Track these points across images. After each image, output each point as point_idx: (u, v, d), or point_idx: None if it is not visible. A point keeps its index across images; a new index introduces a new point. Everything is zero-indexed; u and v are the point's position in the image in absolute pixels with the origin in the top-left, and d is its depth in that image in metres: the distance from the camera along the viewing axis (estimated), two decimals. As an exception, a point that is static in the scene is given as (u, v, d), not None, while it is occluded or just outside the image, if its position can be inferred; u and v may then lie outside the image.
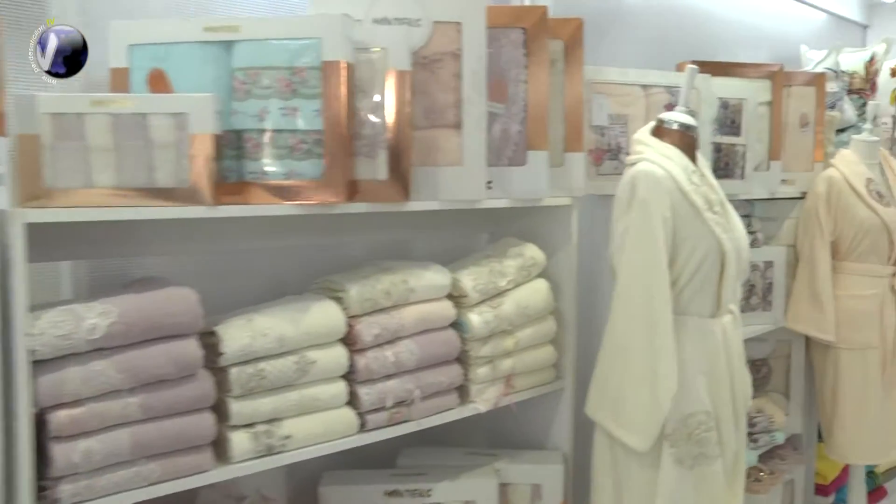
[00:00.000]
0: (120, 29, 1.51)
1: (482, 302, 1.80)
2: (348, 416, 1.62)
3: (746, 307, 2.67)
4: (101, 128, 1.34)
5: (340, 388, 1.61)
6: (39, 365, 1.27)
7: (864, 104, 3.12)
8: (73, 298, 1.44)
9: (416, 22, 1.65)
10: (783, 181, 2.67)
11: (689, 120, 1.85)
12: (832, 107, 2.97)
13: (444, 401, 1.76)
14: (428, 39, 1.65)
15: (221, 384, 1.49)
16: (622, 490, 1.82)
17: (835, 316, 2.64)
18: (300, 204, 1.48)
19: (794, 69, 2.90)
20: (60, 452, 1.28)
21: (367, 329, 1.63)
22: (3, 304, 1.25)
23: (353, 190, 1.54)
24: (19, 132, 1.30)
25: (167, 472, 1.39)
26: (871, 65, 3.11)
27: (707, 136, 2.21)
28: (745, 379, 1.91)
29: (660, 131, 1.86)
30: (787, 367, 2.87)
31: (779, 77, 2.53)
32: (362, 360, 1.63)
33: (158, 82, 1.48)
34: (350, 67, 1.48)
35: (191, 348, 1.42)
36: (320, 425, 1.59)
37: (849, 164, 2.68)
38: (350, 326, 1.62)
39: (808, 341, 2.80)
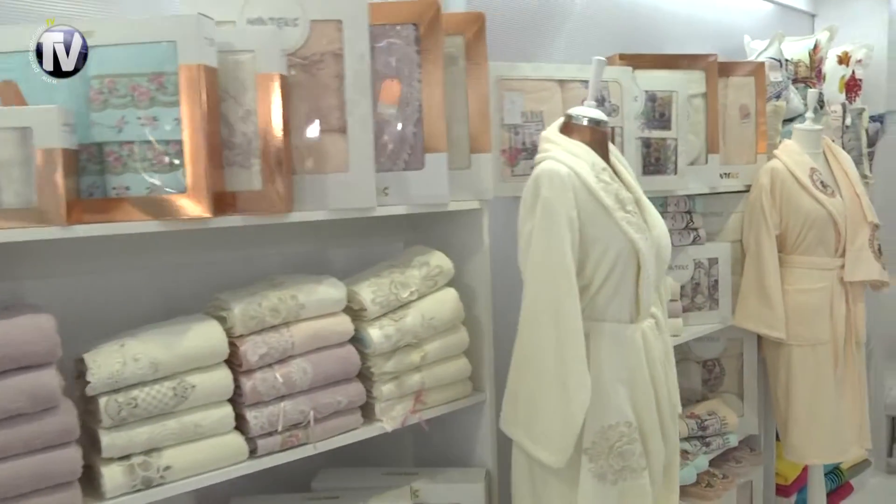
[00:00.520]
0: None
1: (383, 315, 1.71)
2: (236, 441, 1.53)
3: (692, 306, 2.58)
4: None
5: (226, 412, 1.52)
6: None
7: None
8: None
9: (294, 21, 1.55)
10: (725, 175, 2.58)
11: (598, 115, 1.76)
12: (777, 97, 2.89)
13: (345, 421, 1.67)
14: (306, 39, 1.56)
15: (94, 414, 1.41)
16: (542, 508, 1.73)
17: (784, 312, 2.55)
18: (165, 220, 1.39)
19: (739, 60, 2.82)
20: None
21: (253, 349, 1.54)
22: None
23: (223, 202, 1.44)
24: None
25: (29, 513, 1.29)
26: (815, 53, 3.03)
27: (631, 131, 2.12)
28: (672, 386, 1.81)
29: (569, 128, 1.77)
30: (739, 367, 2.78)
31: (712, 67, 2.44)
32: (249, 382, 1.53)
33: (9, 95, 1.39)
34: (211, 71, 1.39)
35: (47, 379, 1.32)
36: (205, 453, 1.49)
37: (791, 154, 2.59)
38: (235, 347, 1.53)
39: (761, 339, 2.71)
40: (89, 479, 1.42)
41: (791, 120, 2.90)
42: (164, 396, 1.44)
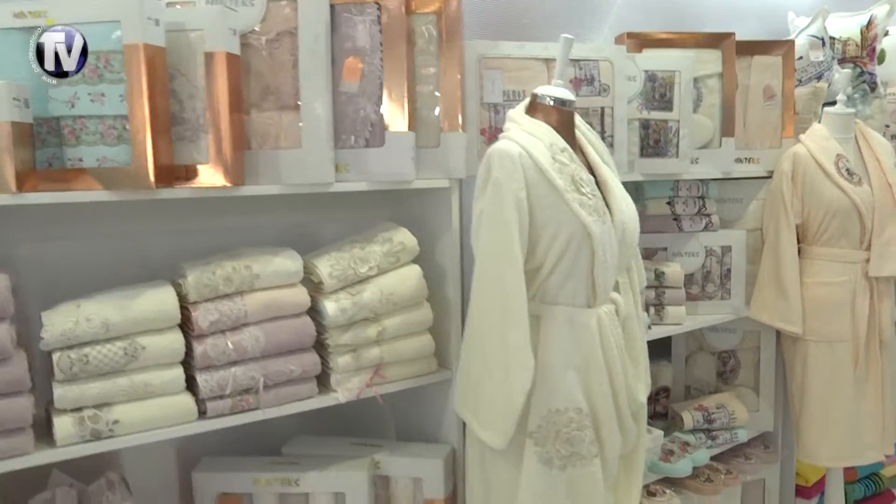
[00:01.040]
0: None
1: (341, 289, 1.75)
2: (186, 402, 1.61)
3: (702, 295, 2.50)
4: None
5: (176, 374, 1.60)
6: None
7: (862, 73, 2.84)
8: None
9: (251, 2, 1.60)
10: (745, 159, 2.47)
11: (564, 94, 1.72)
12: (819, 77, 2.72)
13: (299, 389, 1.72)
14: (262, 18, 1.60)
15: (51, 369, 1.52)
16: (489, 489, 1.73)
17: (801, 305, 2.42)
18: (114, 190, 1.47)
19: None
20: None
21: (205, 315, 1.61)
22: None
23: (170, 175, 1.52)
24: None
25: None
26: (868, 29, 2.81)
27: (623, 112, 2.06)
28: (632, 374, 1.76)
29: (534, 107, 1.74)
30: (756, 360, 2.66)
31: (730, 46, 2.32)
32: (200, 347, 1.61)
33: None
34: (157, 50, 1.45)
35: (1, 333, 1.44)
36: (154, 411, 1.58)
37: (818, 139, 2.44)
38: (189, 312, 1.61)
39: (779, 332, 2.58)
40: (49, 429, 1.54)
41: (833, 103, 2.73)
42: (114, 355, 1.54)
